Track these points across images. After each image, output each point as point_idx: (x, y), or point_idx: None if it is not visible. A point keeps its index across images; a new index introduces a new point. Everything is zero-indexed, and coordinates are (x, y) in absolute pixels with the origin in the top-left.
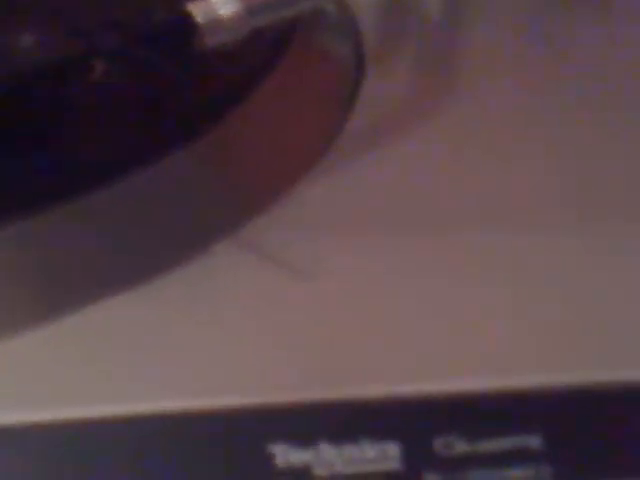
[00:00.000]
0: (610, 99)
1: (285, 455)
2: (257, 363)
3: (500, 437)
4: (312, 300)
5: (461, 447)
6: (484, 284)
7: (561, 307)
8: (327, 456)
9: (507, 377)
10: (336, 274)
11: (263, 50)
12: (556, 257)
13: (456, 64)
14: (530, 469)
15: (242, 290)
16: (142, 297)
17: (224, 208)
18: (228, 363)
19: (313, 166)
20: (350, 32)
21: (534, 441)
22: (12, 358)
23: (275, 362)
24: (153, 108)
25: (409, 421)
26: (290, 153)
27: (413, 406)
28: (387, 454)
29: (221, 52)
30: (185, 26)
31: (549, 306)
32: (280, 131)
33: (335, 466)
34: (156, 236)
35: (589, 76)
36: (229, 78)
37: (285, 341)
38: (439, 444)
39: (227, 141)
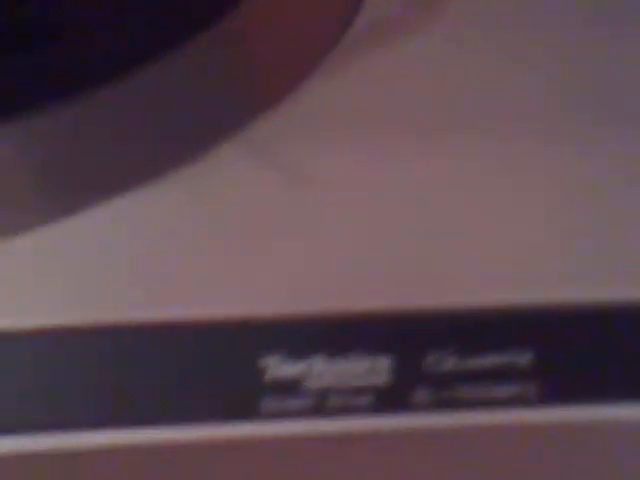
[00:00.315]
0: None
1: (277, 368)
2: (252, 274)
3: (490, 354)
4: (309, 207)
5: (451, 363)
6: (485, 191)
7: (560, 218)
8: (318, 370)
9: (500, 293)
10: (337, 180)
11: None
12: (558, 163)
13: None
14: (517, 386)
15: (241, 193)
16: (141, 198)
17: (230, 105)
18: (224, 273)
19: (320, 63)
20: None
21: (523, 359)
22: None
23: (270, 274)
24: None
25: (400, 336)
26: (297, 48)
27: (405, 321)
28: (377, 369)
29: None
30: None
31: (547, 217)
32: (289, 25)
33: (326, 380)
34: (159, 134)
35: None
36: None
37: (282, 252)
38: (430, 360)
39: (237, 33)
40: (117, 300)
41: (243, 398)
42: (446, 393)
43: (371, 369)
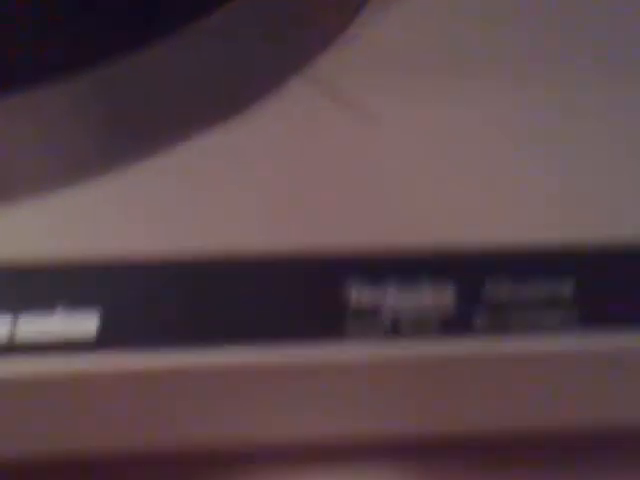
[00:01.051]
0: None
1: (359, 295)
2: (331, 207)
3: (538, 284)
4: (366, 145)
5: (508, 290)
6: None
7: (587, 163)
8: (393, 300)
9: (548, 231)
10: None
11: None
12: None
13: None
14: (559, 313)
15: (300, 128)
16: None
17: (288, 45)
18: (308, 206)
19: None
20: None
21: (567, 288)
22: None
23: (354, 209)
24: None
25: (464, 267)
26: None
27: (465, 254)
28: (443, 300)
29: None
30: None
31: (576, 163)
32: None
33: (399, 306)
34: (221, 81)
35: None
36: None
37: (354, 187)
38: (488, 290)
39: None
40: (196, 233)
41: (329, 322)
42: (501, 321)
43: (438, 299)
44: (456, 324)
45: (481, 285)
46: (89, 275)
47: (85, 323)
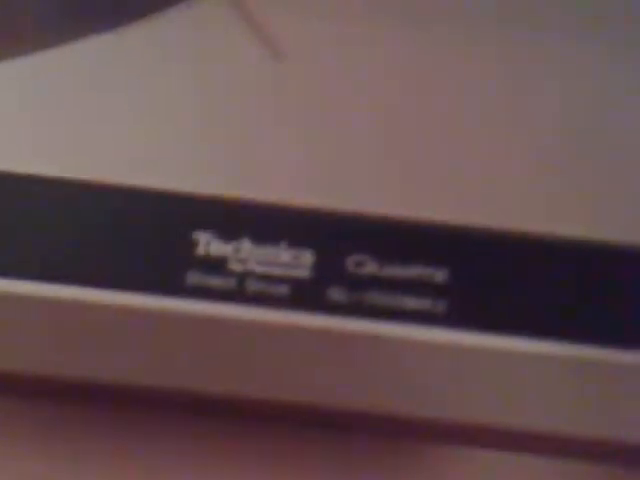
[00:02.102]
0: None
1: (207, 244)
2: (201, 151)
3: (409, 265)
4: (276, 87)
5: (371, 268)
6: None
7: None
8: (245, 253)
9: (430, 210)
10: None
11: None
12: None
13: None
14: (428, 300)
15: (215, 56)
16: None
17: None
18: (175, 146)
19: None
20: None
21: (440, 275)
22: None
23: (217, 154)
24: None
25: (328, 234)
26: None
27: (334, 221)
28: (300, 261)
29: None
30: None
31: (481, 144)
32: None
33: (250, 264)
34: None
35: None
36: None
37: (238, 135)
38: (351, 261)
39: None
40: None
41: (172, 270)
42: (361, 296)
43: (295, 261)
44: (309, 295)
45: (343, 257)
46: None
47: None
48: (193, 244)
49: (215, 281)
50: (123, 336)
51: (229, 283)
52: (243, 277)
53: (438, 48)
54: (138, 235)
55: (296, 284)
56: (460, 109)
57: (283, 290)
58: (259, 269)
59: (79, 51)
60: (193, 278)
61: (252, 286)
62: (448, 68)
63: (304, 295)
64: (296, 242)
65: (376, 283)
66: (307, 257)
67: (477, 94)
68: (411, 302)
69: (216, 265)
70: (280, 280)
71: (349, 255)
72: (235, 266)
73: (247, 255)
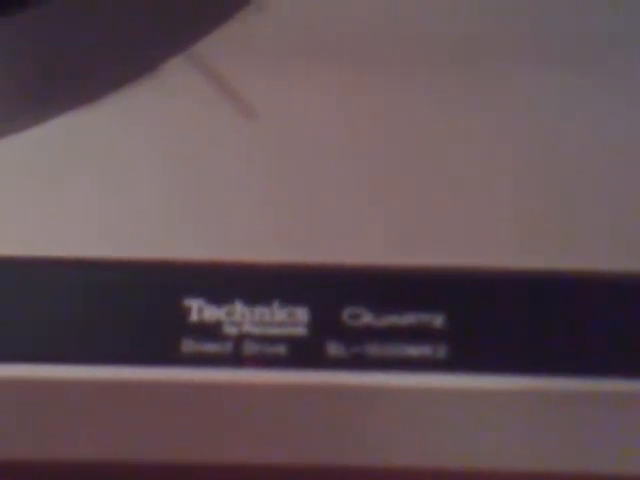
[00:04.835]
0: None
1: (199, 310)
2: (184, 217)
3: (405, 313)
4: (251, 147)
5: (368, 319)
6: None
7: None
8: (239, 316)
9: (419, 256)
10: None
11: None
12: None
13: None
14: (429, 347)
15: (183, 118)
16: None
17: (179, 21)
18: (155, 214)
19: None
20: None
21: (437, 320)
22: None
23: (200, 218)
24: None
25: (320, 289)
26: None
27: (325, 275)
28: (296, 319)
29: None
30: None
31: (467, 188)
32: None
33: (245, 326)
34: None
35: None
36: None
37: (218, 198)
38: (347, 314)
39: None
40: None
41: (165, 339)
42: (361, 348)
43: (290, 319)
44: (307, 352)
45: (339, 311)
46: None
47: None
48: (185, 311)
49: (211, 347)
50: (123, 412)
51: (225, 347)
52: (239, 340)
53: (414, 97)
54: (130, 308)
55: (293, 342)
56: (442, 155)
57: (281, 350)
58: (255, 330)
59: (50, 126)
60: (188, 346)
61: (249, 348)
62: (426, 117)
63: (302, 353)
64: (289, 300)
65: (374, 334)
66: (302, 314)
67: (459, 141)
68: (411, 350)
69: (211, 330)
70: (277, 340)
71: (344, 308)
72: (230, 330)
73: (241, 317)
